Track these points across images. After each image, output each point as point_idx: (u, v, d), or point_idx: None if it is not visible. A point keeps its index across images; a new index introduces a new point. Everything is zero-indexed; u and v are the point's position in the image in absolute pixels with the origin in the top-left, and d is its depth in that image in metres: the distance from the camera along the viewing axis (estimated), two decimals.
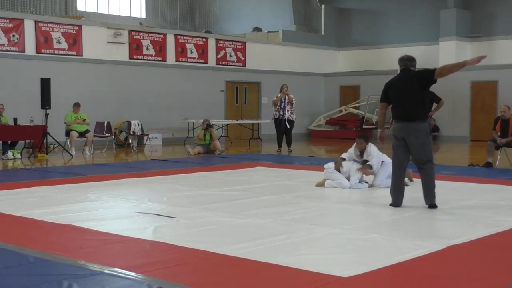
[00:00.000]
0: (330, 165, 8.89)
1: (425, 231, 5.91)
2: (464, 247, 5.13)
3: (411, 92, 6.82)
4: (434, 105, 12.57)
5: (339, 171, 8.72)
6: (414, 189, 8.06)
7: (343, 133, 21.87)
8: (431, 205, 6.85)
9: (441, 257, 4.82)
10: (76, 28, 17.16)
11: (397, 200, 6.98)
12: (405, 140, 6.85)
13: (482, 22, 20.85)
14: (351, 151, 8.84)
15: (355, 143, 8.79)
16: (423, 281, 4.23)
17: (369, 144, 8.68)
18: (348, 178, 8.62)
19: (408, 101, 6.83)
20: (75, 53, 17.07)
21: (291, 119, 15.28)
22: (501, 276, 4.34)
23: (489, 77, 19.91)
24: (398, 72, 7.14)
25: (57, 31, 16.72)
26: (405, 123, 6.83)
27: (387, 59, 22.53)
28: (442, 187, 7.57)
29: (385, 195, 7.96)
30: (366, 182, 8.69)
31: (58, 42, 16.74)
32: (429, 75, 6.79)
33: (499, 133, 11.52)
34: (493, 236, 5.58)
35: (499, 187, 8.82)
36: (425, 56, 21.31)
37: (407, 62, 7.05)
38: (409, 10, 22.25)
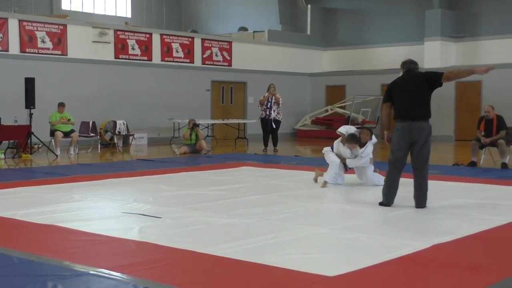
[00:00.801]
0: (328, 149, 8.93)
1: (411, 230, 5.94)
2: (449, 246, 5.16)
3: (417, 91, 6.87)
4: None
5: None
6: (400, 189, 8.09)
7: (329, 132, 21.85)
8: (422, 207, 6.89)
9: (426, 256, 4.85)
10: (61, 27, 17.06)
11: (389, 199, 6.96)
12: (408, 140, 6.86)
13: (466, 22, 20.99)
14: (339, 147, 8.83)
15: (347, 143, 8.70)
16: (408, 280, 4.25)
17: (372, 140, 8.66)
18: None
19: (413, 100, 6.87)
20: (59, 52, 16.97)
21: (278, 119, 15.29)
22: (486, 273, 4.37)
23: (473, 77, 19.86)
24: (401, 74, 7.18)
25: (41, 30, 16.61)
26: (410, 122, 6.84)
27: (372, 59, 22.64)
28: (428, 186, 7.58)
29: (372, 194, 8.00)
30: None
31: (43, 41, 16.63)
32: (437, 78, 6.86)
33: (483, 133, 11.60)
34: (478, 235, 5.62)
35: (483, 186, 8.89)
36: (411, 56, 21.35)
37: (410, 64, 7.12)
38: (394, 10, 22.35)
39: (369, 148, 8.62)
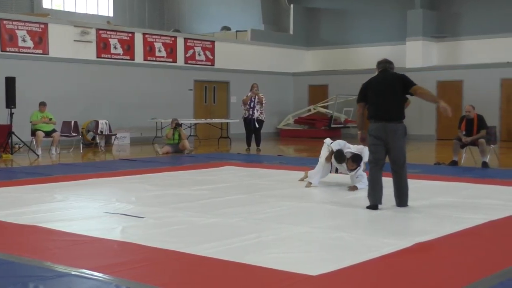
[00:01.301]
0: (328, 141, 8.88)
1: (392, 229, 5.98)
2: (431, 244, 5.20)
3: (392, 92, 6.86)
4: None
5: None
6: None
7: (311, 132, 21.98)
8: (404, 206, 6.90)
9: (408, 254, 4.88)
10: (42, 26, 16.92)
11: (376, 199, 6.84)
12: (383, 140, 6.83)
13: (448, 22, 21.16)
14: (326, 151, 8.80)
15: (334, 159, 8.52)
16: (391, 278, 4.28)
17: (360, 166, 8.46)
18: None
19: (388, 101, 6.84)
20: (41, 51, 16.84)
21: (261, 118, 15.30)
22: (467, 271, 4.40)
23: (454, 77, 20.21)
24: (376, 73, 7.15)
25: (22, 29, 16.47)
26: (384, 123, 6.80)
27: (355, 58, 22.74)
28: (409, 186, 7.63)
29: (355, 194, 8.03)
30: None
31: (24, 40, 16.49)
32: (408, 86, 6.86)
33: (464, 132, 11.69)
34: (459, 233, 5.67)
35: (465, 185, 8.96)
36: (393, 55, 21.46)
37: (386, 64, 7.11)
38: (376, 10, 22.46)
39: (360, 170, 8.44)
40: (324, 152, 8.84)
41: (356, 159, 8.35)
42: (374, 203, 6.82)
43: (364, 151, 8.37)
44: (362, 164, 8.46)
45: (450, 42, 21.14)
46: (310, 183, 8.75)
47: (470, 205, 7.20)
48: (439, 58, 21.19)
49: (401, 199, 6.92)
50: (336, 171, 8.89)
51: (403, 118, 6.92)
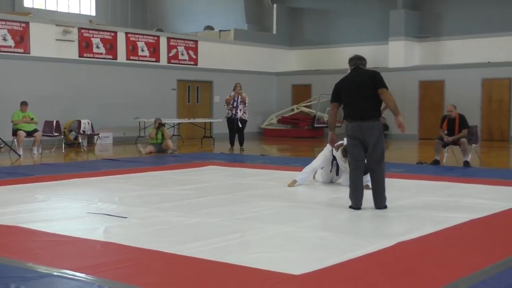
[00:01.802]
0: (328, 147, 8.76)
1: (375, 229, 6.01)
2: (413, 243, 5.23)
3: (365, 90, 6.69)
4: (383, 104, 12.78)
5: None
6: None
7: (295, 131, 22.03)
8: (380, 208, 6.71)
9: (391, 254, 4.91)
10: (23, 25, 16.78)
11: (357, 202, 6.77)
12: (360, 140, 6.70)
13: (430, 22, 21.30)
14: (327, 154, 8.73)
15: (338, 147, 8.45)
16: (373, 277, 4.29)
17: None
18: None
19: (361, 99, 6.70)
20: (22, 50, 16.69)
21: (244, 118, 15.29)
22: (448, 270, 4.44)
23: (436, 77, 20.36)
24: (349, 71, 7.01)
25: (3, 28, 16.31)
26: (359, 122, 6.68)
27: (338, 58, 22.78)
28: (391, 185, 7.69)
29: (338, 194, 8.06)
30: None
31: (4, 39, 16.33)
32: (377, 86, 6.66)
33: (446, 132, 11.77)
34: (441, 232, 5.71)
35: (446, 184, 9.02)
36: (375, 55, 21.67)
37: (357, 61, 6.93)
38: (359, 11, 22.56)
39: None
40: (320, 156, 8.77)
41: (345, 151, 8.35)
42: (356, 207, 6.76)
43: None
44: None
45: (432, 42, 21.30)
46: (295, 181, 8.74)
47: (452, 204, 7.25)
48: (421, 58, 21.34)
49: (377, 200, 6.74)
50: (337, 172, 8.81)
51: (379, 115, 6.77)
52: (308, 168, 8.82)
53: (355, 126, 6.72)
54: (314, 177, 9.01)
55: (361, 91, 6.73)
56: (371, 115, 6.70)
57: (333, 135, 7.07)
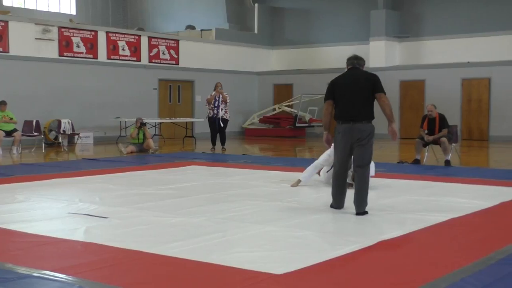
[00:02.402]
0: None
1: (356, 228, 6.03)
2: (394, 242, 5.26)
3: (359, 91, 6.55)
4: None
5: None
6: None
7: (276, 131, 22.05)
8: (359, 213, 6.46)
9: (372, 252, 4.93)
10: (2, 24, 16.61)
11: (338, 203, 6.71)
12: (349, 142, 6.55)
13: (410, 23, 21.45)
14: (330, 153, 8.66)
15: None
16: (355, 276, 4.31)
17: None
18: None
19: (354, 100, 6.55)
20: (1, 49, 16.53)
21: (225, 117, 15.28)
22: (429, 269, 4.47)
23: (417, 77, 20.51)
24: (346, 70, 6.86)
25: None
26: (351, 124, 6.53)
27: (319, 58, 22.89)
28: (372, 184, 7.71)
29: (319, 193, 8.08)
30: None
31: None
32: (376, 90, 6.55)
33: (426, 131, 11.86)
34: (421, 231, 5.75)
35: (427, 183, 9.08)
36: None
37: (354, 60, 6.78)
38: (340, 10, 22.65)
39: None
40: (324, 155, 8.65)
41: None
42: (337, 207, 6.72)
43: None
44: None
45: (412, 42, 21.44)
46: (299, 180, 8.68)
47: (432, 203, 7.30)
48: (402, 58, 21.48)
49: (358, 205, 6.50)
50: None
51: (371, 118, 6.60)
52: (310, 167, 8.73)
53: (347, 128, 6.54)
54: (319, 174, 8.91)
55: (354, 91, 6.57)
56: (364, 116, 6.54)
57: (328, 135, 6.80)
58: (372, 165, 8.02)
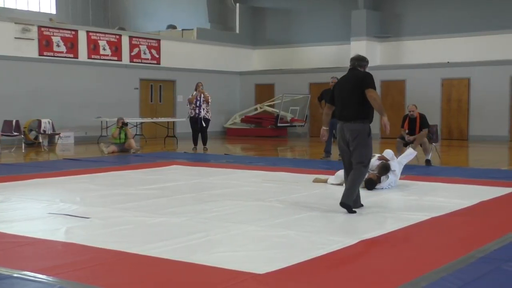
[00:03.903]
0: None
1: (338, 227, 6.06)
2: (374, 242, 5.30)
3: (351, 91, 6.65)
4: None
5: None
6: (324, 186, 8.27)
7: (258, 131, 22.07)
8: (342, 203, 6.53)
9: (354, 251, 4.96)
10: None
11: (356, 201, 6.75)
12: (346, 141, 6.69)
13: (391, 23, 21.58)
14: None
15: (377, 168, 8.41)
16: (337, 275, 4.34)
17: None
18: None
19: (345, 101, 6.70)
20: None
21: (207, 117, 15.27)
22: (409, 267, 4.50)
23: (397, 77, 20.64)
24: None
25: None
26: (343, 123, 6.69)
27: (301, 58, 22.94)
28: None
29: (301, 193, 8.10)
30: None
31: None
32: (364, 85, 6.56)
33: (407, 131, 11.94)
34: (402, 230, 5.79)
35: (408, 182, 9.13)
36: (338, 55, 21.88)
37: (355, 61, 6.86)
38: (321, 10, 22.71)
39: (385, 182, 8.38)
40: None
41: (382, 169, 8.35)
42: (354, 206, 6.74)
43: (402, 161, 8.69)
44: (389, 175, 8.42)
45: (393, 42, 21.57)
46: (327, 179, 8.79)
47: (413, 203, 7.36)
48: (383, 58, 21.60)
49: (343, 195, 6.57)
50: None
51: (364, 118, 6.63)
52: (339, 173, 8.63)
53: (341, 127, 6.74)
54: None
55: (348, 91, 6.69)
56: (354, 116, 6.62)
57: (324, 131, 7.10)
58: (395, 167, 8.31)
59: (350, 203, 6.58)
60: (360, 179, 6.74)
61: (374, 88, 6.63)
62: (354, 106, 6.64)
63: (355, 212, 6.57)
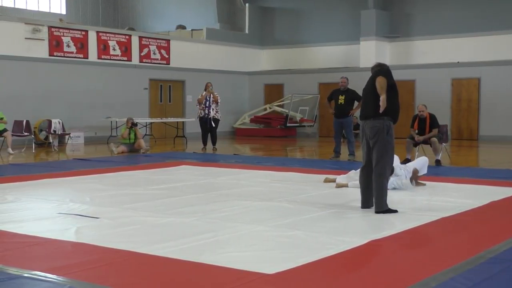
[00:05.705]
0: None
1: (347, 227, 6.04)
2: (384, 242, 5.28)
3: (369, 89, 6.87)
4: (356, 103, 12.90)
5: None
6: (333, 186, 8.26)
7: (267, 131, 22.06)
8: (377, 212, 6.59)
9: (363, 252, 4.95)
10: None
11: (363, 200, 6.82)
12: (366, 139, 6.80)
13: (400, 23, 21.51)
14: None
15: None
16: (346, 276, 4.33)
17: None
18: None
19: (364, 100, 6.96)
20: None
21: (216, 117, 15.27)
22: (419, 268, 4.49)
23: (407, 76, 20.55)
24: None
25: None
26: (363, 121, 6.87)
27: (310, 58, 22.91)
28: None
29: (309, 193, 8.09)
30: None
31: None
32: (376, 76, 6.72)
33: (416, 131, 11.91)
34: (411, 230, 5.77)
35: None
36: (347, 55, 21.84)
37: (376, 68, 6.93)
38: (331, 10, 22.68)
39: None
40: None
41: None
42: (366, 206, 6.81)
43: (409, 165, 8.71)
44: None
45: (402, 42, 21.51)
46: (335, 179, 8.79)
47: (423, 203, 7.35)
48: (392, 58, 21.53)
49: (374, 203, 6.65)
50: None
51: (382, 114, 6.64)
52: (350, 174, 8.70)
53: (362, 125, 6.92)
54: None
55: (366, 91, 6.95)
56: (372, 114, 6.73)
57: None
58: (420, 163, 8.36)
59: (384, 208, 6.61)
60: (383, 190, 6.65)
61: (385, 76, 6.71)
62: (373, 104, 6.75)
63: (396, 211, 6.60)
